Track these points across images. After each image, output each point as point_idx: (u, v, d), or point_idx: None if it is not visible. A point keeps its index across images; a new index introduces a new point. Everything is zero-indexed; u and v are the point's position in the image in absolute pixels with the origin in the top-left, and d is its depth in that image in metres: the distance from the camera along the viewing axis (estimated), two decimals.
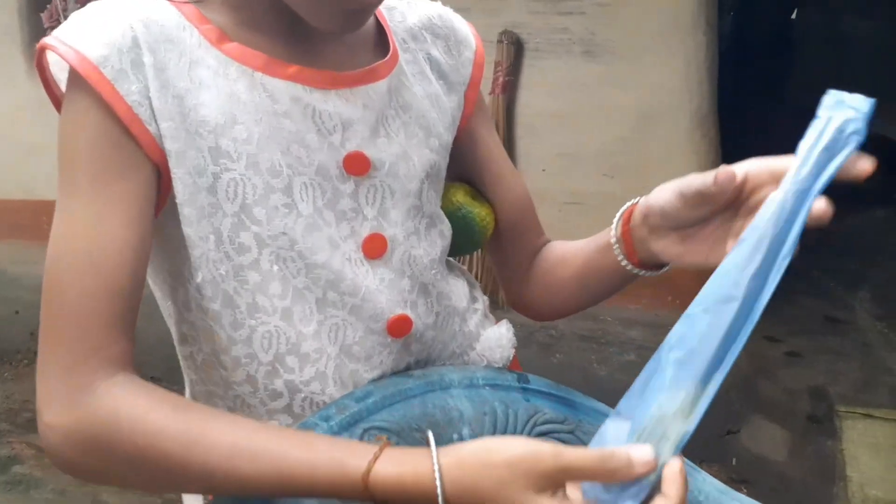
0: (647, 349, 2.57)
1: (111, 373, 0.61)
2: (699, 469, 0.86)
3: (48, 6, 3.43)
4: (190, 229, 0.66)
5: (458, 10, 0.90)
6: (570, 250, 0.86)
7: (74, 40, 0.63)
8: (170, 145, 0.64)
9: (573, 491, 0.58)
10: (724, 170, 0.64)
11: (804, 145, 0.62)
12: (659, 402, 0.59)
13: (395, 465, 0.57)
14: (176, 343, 0.76)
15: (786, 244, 0.61)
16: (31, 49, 3.44)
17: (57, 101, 0.70)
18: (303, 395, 0.71)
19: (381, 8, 0.77)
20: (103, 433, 0.59)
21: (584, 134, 2.68)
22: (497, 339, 0.85)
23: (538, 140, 2.75)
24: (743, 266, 0.61)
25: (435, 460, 0.57)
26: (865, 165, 0.61)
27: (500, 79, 2.66)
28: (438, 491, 0.56)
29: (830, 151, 0.61)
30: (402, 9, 0.80)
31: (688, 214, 0.69)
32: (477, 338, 0.84)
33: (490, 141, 0.86)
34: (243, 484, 0.59)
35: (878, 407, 2.50)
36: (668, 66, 2.56)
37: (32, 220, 3.56)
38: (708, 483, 0.84)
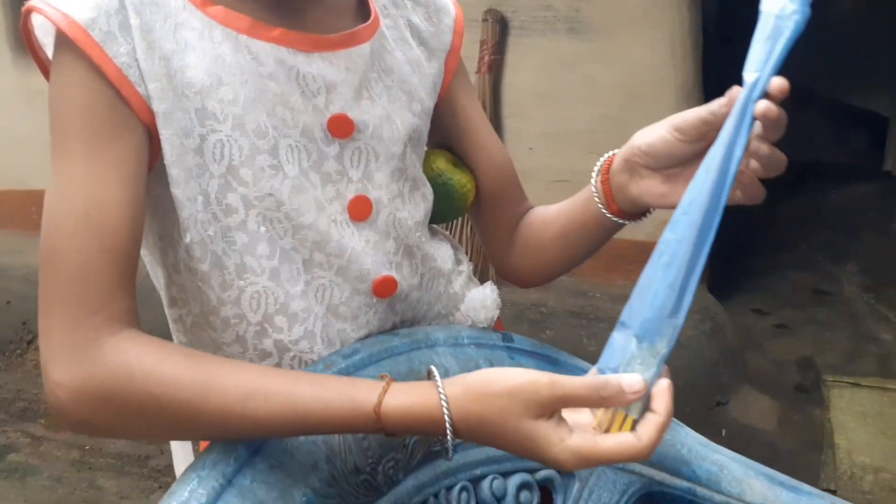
0: None
1: (117, 329, 0.62)
2: (682, 424, 0.88)
3: None
4: (178, 190, 0.67)
5: None
6: (552, 211, 0.88)
7: (61, 3, 0.63)
8: (157, 106, 0.65)
9: (569, 414, 0.61)
10: (730, 92, 0.65)
11: (754, 41, 0.65)
12: (653, 304, 0.62)
13: (404, 396, 0.60)
14: (166, 307, 0.77)
15: (741, 130, 0.63)
16: (15, 39, 3.42)
17: (42, 65, 0.70)
18: (291, 353, 0.73)
19: None
20: (116, 386, 0.60)
21: (570, 112, 2.68)
22: (482, 300, 0.86)
23: (524, 119, 2.76)
24: (709, 166, 0.63)
25: (441, 389, 0.60)
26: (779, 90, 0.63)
27: (486, 57, 2.66)
28: (446, 417, 0.59)
29: (772, 41, 0.64)
30: None
31: (683, 149, 0.70)
32: (462, 299, 0.85)
33: (471, 108, 0.88)
34: (259, 424, 0.60)
35: (864, 376, 2.55)
36: (652, 43, 2.57)
37: (23, 210, 3.55)
38: (690, 437, 0.87)
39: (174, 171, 0.67)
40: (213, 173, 0.67)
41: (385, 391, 0.60)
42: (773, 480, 0.81)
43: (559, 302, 2.72)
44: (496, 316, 0.88)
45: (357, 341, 0.74)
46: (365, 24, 0.75)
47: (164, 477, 2.40)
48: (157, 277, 0.76)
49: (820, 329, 2.88)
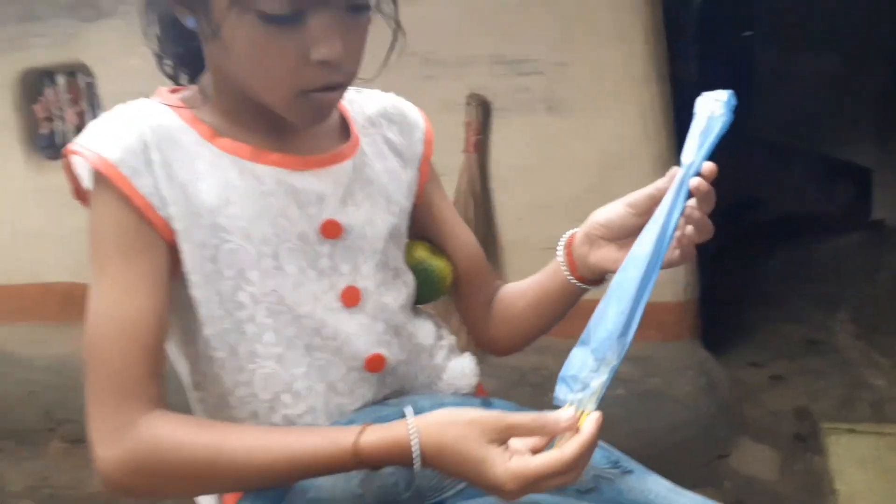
0: (633, 382, 2.67)
1: (148, 410, 0.75)
2: (650, 471, 0.98)
3: (40, 99, 3.61)
4: (197, 292, 0.81)
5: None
6: (523, 285, 1.01)
7: (96, 146, 0.78)
8: (177, 225, 0.79)
9: (515, 441, 0.71)
10: (670, 171, 0.81)
11: (690, 132, 0.82)
12: (606, 327, 0.75)
13: (379, 432, 0.72)
14: (189, 390, 0.90)
15: (678, 200, 0.79)
16: (26, 139, 3.59)
17: (81, 195, 0.84)
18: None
19: (343, 101, 0.93)
20: (148, 456, 0.73)
21: (554, 184, 2.81)
22: (461, 369, 0.98)
23: (512, 192, 2.88)
24: (652, 225, 0.79)
25: (411, 422, 0.71)
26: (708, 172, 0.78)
27: (472, 138, 2.80)
28: (414, 444, 0.70)
29: (705, 135, 0.81)
30: (360, 101, 0.96)
31: (634, 222, 0.84)
32: (444, 369, 0.97)
33: (443, 205, 1.02)
34: (263, 472, 0.73)
35: (860, 421, 2.60)
36: (626, 117, 2.70)
37: (39, 302, 3.67)
38: (658, 483, 0.96)
39: (193, 277, 0.80)
40: (226, 276, 0.81)
41: (361, 431, 0.72)
42: None
43: (559, 365, 2.77)
44: (476, 382, 1.00)
45: (353, 412, 0.85)
46: (347, 144, 0.89)
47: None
48: (181, 366, 0.89)
49: (814, 378, 2.93)
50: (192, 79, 0.89)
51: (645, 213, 0.82)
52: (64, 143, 3.73)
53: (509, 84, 2.79)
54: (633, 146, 2.72)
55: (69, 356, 3.29)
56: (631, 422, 2.53)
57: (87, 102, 3.54)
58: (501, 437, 0.69)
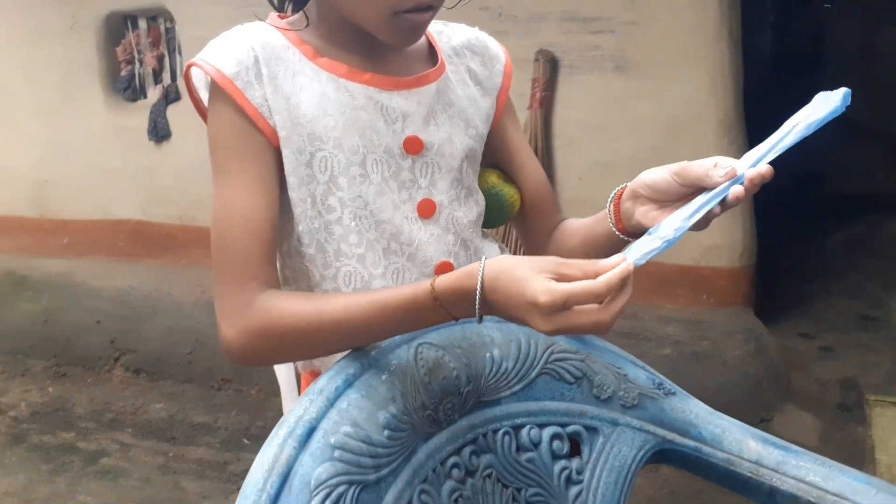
0: (682, 344, 2.71)
1: (264, 289, 0.85)
2: (689, 395, 1.04)
3: (122, 41, 3.74)
4: (293, 193, 0.90)
5: (497, 32, 1.10)
6: (577, 224, 1.07)
7: (215, 60, 0.87)
8: (280, 132, 0.88)
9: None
10: (726, 165, 0.83)
11: (783, 127, 0.84)
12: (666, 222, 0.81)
13: (452, 273, 0.78)
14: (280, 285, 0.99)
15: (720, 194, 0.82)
16: (108, 80, 3.75)
17: (197, 104, 0.94)
18: None
19: (431, 30, 1.01)
20: (264, 325, 0.83)
21: (617, 144, 2.84)
22: None
23: (574, 150, 2.93)
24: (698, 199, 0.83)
25: (483, 262, 0.76)
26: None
27: (538, 94, 2.84)
28: (481, 266, 0.75)
29: (798, 131, 0.83)
30: (447, 32, 1.04)
31: (677, 190, 0.87)
32: None
33: (516, 137, 1.09)
34: (359, 326, 0.81)
35: None
36: (695, 79, 2.71)
37: (110, 237, 3.85)
38: (698, 405, 1.03)
39: (291, 179, 0.89)
40: (319, 181, 0.90)
41: (437, 277, 0.79)
42: (766, 441, 0.96)
43: None
44: None
45: None
46: (433, 69, 0.97)
47: (241, 480, 2.57)
48: None
49: (864, 351, 2.93)
50: (297, 7, 0.97)
51: (688, 185, 0.85)
52: (142, 86, 3.90)
53: (579, 42, 2.82)
54: (699, 109, 2.73)
55: (135, 289, 3.49)
56: (678, 380, 2.54)
57: (166, 46, 3.67)
58: (552, 269, 0.72)
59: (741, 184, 0.81)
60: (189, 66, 0.90)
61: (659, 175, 0.89)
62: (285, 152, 0.88)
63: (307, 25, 0.93)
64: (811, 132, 0.82)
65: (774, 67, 5.89)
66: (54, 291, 3.61)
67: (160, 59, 3.68)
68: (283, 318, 0.82)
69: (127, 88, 3.74)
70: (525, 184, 1.08)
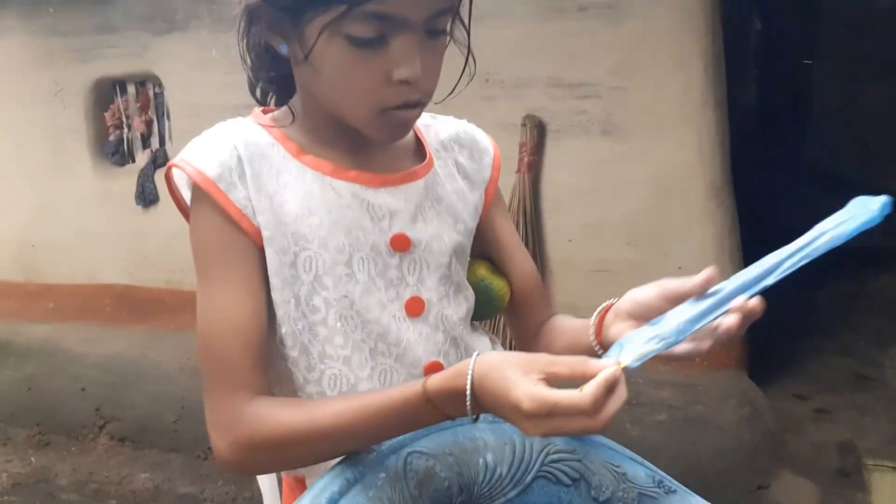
0: (676, 409, 2.67)
1: (253, 397, 0.83)
2: (692, 493, 1.01)
3: (111, 106, 3.75)
4: (276, 294, 0.88)
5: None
6: (566, 325, 1.05)
7: (196, 161, 0.86)
8: (264, 232, 0.86)
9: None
10: (708, 277, 0.81)
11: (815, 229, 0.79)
12: (677, 312, 0.79)
13: (443, 372, 0.76)
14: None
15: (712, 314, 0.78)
16: (95, 145, 3.74)
17: (179, 203, 0.92)
18: None
19: (419, 124, 1.00)
20: (254, 435, 0.81)
21: (606, 206, 2.84)
22: None
23: (563, 213, 2.92)
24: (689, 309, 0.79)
25: (474, 356, 0.74)
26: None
27: (526, 158, 2.84)
28: (471, 365, 0.73)
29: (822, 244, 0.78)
30: (435, 125, 1.03)
31: (660, 306, 0.85)
32: None
33: (505, 229, 1.08)
34: (351, 431, 0.79)
35: None
36: (682, 142, 2.72)
37: (96, 302, 3.80)
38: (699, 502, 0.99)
39: (274, 280, 0.87)
40: (303, 281, 0.88)
41: (427, 377, 0.77)
42: None
43: None
44: None
45: None
46: (421, 165, 0.96)
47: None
48: None
49: (860, 413, 2.89)
50: (281, 102, 0.97)
51: (674, 302, 0.83)
52: (130, 151, 3.90)
53: (566, 106, 2.84)
54: (687, 172, 2.74)
55: (120, 355, 3.43)
56: (673, 447, 2.54)
57: (155, 111, 3.67)
58: (540, 369, 0.70)
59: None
60: (170, 167, 0.89)
61: (647, 293, 0.87)
62: (269, 252, 0.86)
63: (293, 122, 0.91)
64: (841, 242, 0.76)
65: (758, 121, 5.96)
66: (39, 357, 3.55)
67: (149, 123, 3.68)
68: (274, 430, 0.81)
69: (115, 153, 3.74)
70: (514, 276, 1.06)
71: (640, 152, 2.77)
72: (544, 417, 0.67)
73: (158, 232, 3.55)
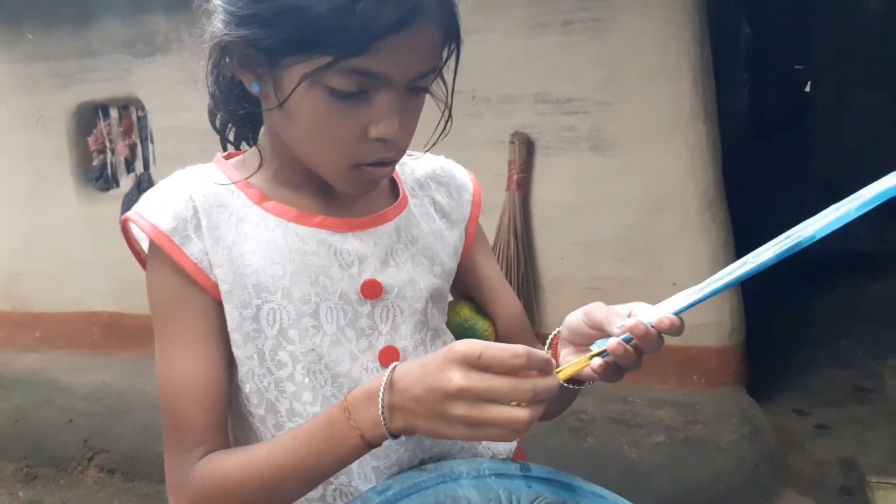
0: (675, 429, 2.62)
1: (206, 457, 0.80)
2: None
3: (94, 131, 3.70)
4: (238, 350, 0.83)
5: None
6: None
7: (150, 215, 0.81)
8: (222, 286, 0.81)
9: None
10: (635, 318, 0.77)
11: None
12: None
13: (360, 389, 0.74)
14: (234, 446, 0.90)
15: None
16: (79, 170, 3.69)
17: (138, 255, 0.88)
18: (333, 486, 0.85)
19: None
20: (201, 493, 0.78)
21: (598, 222, 2.80)
22: None
23: (554, 230, 2.88)
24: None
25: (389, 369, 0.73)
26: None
27: (514, 176, 2.80)
28: (388, 369, 0.73)
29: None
30: (410, 163, 0.98)
31: (586, 332, 0.82)
32: None
33: (488, 267, 1.02)
34: (281, 463, 0.76)
35: None
36: (672, 155, 2.69)
37: (83, 330, 3.75)
38: None
39: (235, 336, 0.82)
40: (267, 335, 0.83)
41: (347, 404, 0.74)
42: None
43: (599, 408, 2.75)
44: (515, 447, 0.98)
45: (389, 477, 0.84)
46: (393, 206, 0.91)
47: None
48: None
49: (861, 428, 2.85)
50: (240, 138, 0.92)
51: (593, 326, 0.80)
52: (114, 176, 3.85)
53: (554, 122, 2.80)
54: (679, 185, 2.70)
55: (109, 385, 3.37)
56: (672, 469, 2.49)
57: (138, 135, 3.63)
58: (469, 360, 0.68)
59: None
60: (125, 221, 0.84)
61: (575, 316, 0.84)
62: (227, 307, 0.82)
63: (260, 165, 0.87)
64: (867, 209, 0.71)
65: (749, 131, 5.93)
66: (26, 389, 3.50)
67: (132, 147, 3.63)
68: (215, 481, 0.78)
69: (99, 178, 3.69)
70: (499, 316, 1.01)
71: (630, 167, 2.74)
72: (475, 360, 0.67)
73: None
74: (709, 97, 2.69)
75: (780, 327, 3.64)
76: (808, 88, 6.30)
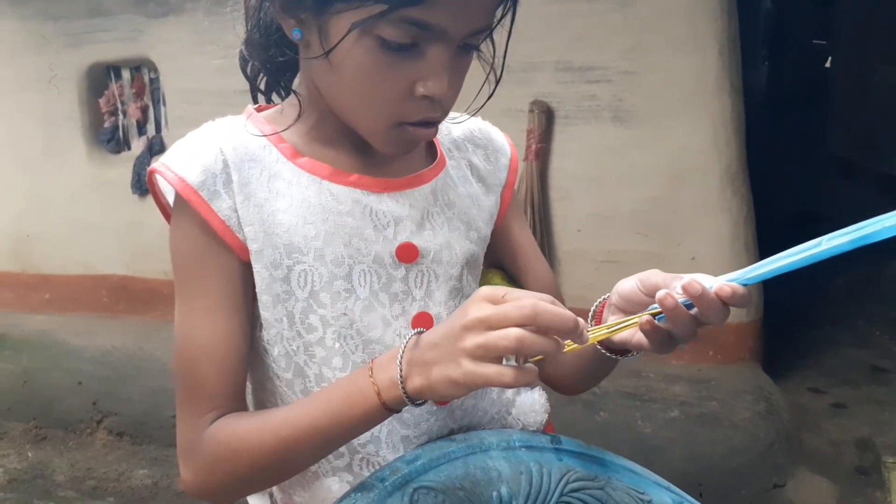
0: (690, 405, 2.59)
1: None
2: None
3: (105, 92, 3.65)
4: (268, 313, 0.80)
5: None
6: None
7: (178, 167, 0.77)
8: (251, 245, 0.78)
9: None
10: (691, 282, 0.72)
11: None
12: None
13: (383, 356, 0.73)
14: (254, 410, 0.87)
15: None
16: (90, 132, 3.65)
17: (163, 209, 0.84)
18: (360, 455, 0.82)
19: None
20: (216, 453, 0.76)
21: (617, 195, 2.75)
22: (531, 404, 0.93)
23: (572, 202, 2.83)
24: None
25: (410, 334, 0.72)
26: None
27: (533, 145, 2.75)
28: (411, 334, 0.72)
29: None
30: (448, 123, 0.93)
31: (641, 298, 0.78)
32: (513, 403, 0.92)
33: (521, 235, 0.98)
34: (309, 433, 0.73)
35: None
36: (696, 128, 2.63)
37: (92, 293, 3.73)
38: None
39: (264, 297, 0.79)
40: (298, 297, 0.79)
41: (372, 364, 0.73)
42: None
43: (612, 382, 2.72)
44: (545, 419, 0.95)
45: (418, 447, 0.81)
46: (430, 167, 0.87)
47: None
48: (248, 386, 0.87)
49: (878, 408, 2.82)
50: (271, 87, 0.87)
51: (652, 294, 0.76)
52: (125, 138, 3.81)
53: (575, 91, 2.74)
54: (701, 159, 2.65)
55: (118, 348, 3.35)
56: (687, 446, 2.46)
57: (150, 97, 3.58)
58: (494, 295, 0.67)
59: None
60: (151, 172, 0.80)
61: (627, 284, 0.80)
62: (257, 268, 0.78)
63: (299, 115, 0.82)
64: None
65: (769, 104, 5.85)
66: (35, 350, 3.48)
67: (144, 110, 3.58)
68: (230, 444, 0.76)
69: (110, 140, 3.64)
70: (531, 287, 0.97)
71: (651, 139, 2.68)
72: (498, 299, 0.66)
73: (155, 221, 3.41)
74: (735, 70, 2.63)
75: (797, 305, 3.60)
76: (828, 64, 6.21)
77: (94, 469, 2.95)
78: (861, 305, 3.72)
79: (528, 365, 0.66)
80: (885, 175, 4.45)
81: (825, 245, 0.69)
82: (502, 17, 0.78)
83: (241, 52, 0.84)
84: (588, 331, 0.69)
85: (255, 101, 0.89)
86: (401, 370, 0.69)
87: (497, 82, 0.84)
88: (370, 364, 0.72)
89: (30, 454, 3.10)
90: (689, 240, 2.69)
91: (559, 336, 0.67)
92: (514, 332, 0.64)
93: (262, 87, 0.87)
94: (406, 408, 0.81)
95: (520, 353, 0.65)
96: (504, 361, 0.66)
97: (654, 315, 0.76)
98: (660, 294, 0.72)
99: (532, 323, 0.64)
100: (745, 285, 0.73)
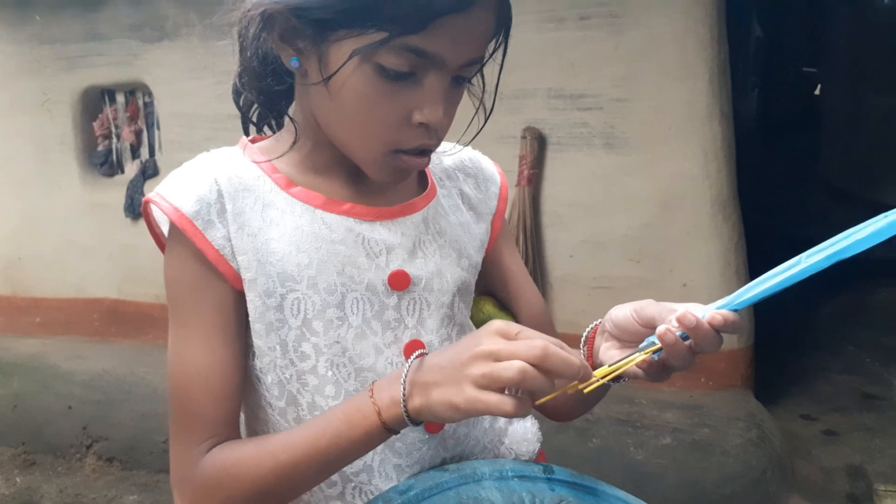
0: (682, 432, 2.59)
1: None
2: None
3: (99, 116, 3.67)
4: (261, 341, 0.80)
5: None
6: None
7: (173, 197, 0.78)
8: (245, 274, 0.78)
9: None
10: (685, 314, 0.73)
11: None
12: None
13: (385, 379, 0.75)
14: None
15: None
16: (84, 155, 3.65)
17: (157, 239, 0.85)
18: (353, 484, 0.82)
19: None
20: (212, 480, 0.76)
21: (609, 221, 2.76)
22: (523, 433, 0.93)
23: (564, 228, 2.84)
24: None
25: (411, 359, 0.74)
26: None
27: (525, 171, 2.77)
28: (411, 359, 0.73)
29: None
30: (438, 153, 0.94)
31: (635, 329, 0.80)
32: (505, 433, 0.93)
33: (512, 263, 0.99)
34: (309, 458, 0.74)
35: None
36: (686, 155, 2.65)
37: (84, 317, 3.71)
38: None
39: (257, 326, 0.79)
40: (291, 326, 0.80)
41: (373, 387, 0.74)
42: None
43: (605, 408, 2.72)
44: (537, 449, 0.95)
45: (411, 476, 0.81)
46: (421, 196, 0.88)
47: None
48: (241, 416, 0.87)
49: (869, 435, 2.82)
50: (264, 117, 0.88)
51: (644, 323, 0.78)
52: (119, 161, 3.80)
53: (567, 118, 2.76)
54: (692, 185, 2.67)
55: (108, 372, 3.33)
56: (679, 473, 2.46)
57: (144, 121, 3.59)
58: (508, 331, 0.70)
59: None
60: (146, 202, 0.81)
61: (622, 311, 0.81)
62: (250, 296, 0.79)
63: (294, 143, 0.83)
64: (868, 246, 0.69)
65: (760, 131, 5.90)
66: (25, 374, 3.46)
67: (138, 133, 3.59)
68: (228, 470, 0.76)
69: (104, 164, 3.65)
70: (521, 313, 0.98)
71: (643, 165, 2.70)
72: (512, 336, 0.69)
73: (148, 245, 3.42)
74: (725, 97, 2.66)
75: (788, 332, 3.61)
76: (818, 91, 6.27)
77: (84, 495, 2.92)
78: (851, 332, 3.74)
79: (524, 396, 0.67)
80: (874, 201, 4.48)
81: (804, 263, 0.71)
82: (494, 50, 0.79)
83: (234, 84, 0.85)
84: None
85: (247, 133, 0.90)
86: (404, 389, 0.71)
87: (488, 115, 0.86)
88: (371, 387, 0.74)
89: (18, 479, 3.07)
90: (680, 266, 2.71)
91: (563, 379, 0.69)
92: (518, 365, 0.66)
93: (254, 118, 0.88)
94: (398, 436, 0.82)
95: (520, 387, 0.67)
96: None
97: (652, 352, 0.76)
98: (660, 330, 0.74)
99: (540, 364, 0.67)
100: (735, 311, 0.74)
